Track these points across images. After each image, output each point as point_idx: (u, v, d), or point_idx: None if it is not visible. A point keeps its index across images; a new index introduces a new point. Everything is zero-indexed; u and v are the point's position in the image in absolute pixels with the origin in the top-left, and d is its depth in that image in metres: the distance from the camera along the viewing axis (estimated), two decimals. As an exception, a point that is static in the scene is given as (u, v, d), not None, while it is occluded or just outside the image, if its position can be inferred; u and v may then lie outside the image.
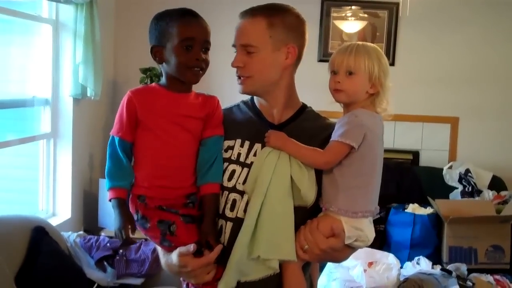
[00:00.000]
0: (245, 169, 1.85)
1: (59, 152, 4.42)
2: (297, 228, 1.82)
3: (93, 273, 3.59)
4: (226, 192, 1.85)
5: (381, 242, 4.45)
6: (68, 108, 4.41)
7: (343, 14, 5.32)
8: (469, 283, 3.54)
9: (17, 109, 4.12)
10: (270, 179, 1.78)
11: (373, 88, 1.84)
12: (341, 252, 1.87)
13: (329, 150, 1.79)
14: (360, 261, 3.49)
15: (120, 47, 5.32)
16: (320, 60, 5.20)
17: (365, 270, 3.44)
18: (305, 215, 1.84)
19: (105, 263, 3.64)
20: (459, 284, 3.47)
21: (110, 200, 1.75)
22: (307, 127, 1.94)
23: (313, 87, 5.08)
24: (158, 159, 1.77)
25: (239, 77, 1.90)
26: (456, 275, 3.60)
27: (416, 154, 5.38)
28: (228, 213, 1.84)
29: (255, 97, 2.00)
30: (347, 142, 1.75)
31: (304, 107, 2.02)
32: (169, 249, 1.81)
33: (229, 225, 1.83)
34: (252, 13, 1.88)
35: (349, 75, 1.82)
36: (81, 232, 3.97)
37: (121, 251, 3.68)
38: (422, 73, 5.37)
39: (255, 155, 1.86)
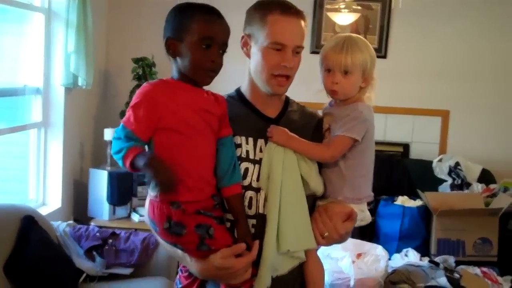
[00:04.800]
0: (257, 166, 1.86)
1: (49, 141, 4.41)
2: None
3: (82, 263, 3.59)
4: (242, 191, 1.85)
5: (370, 233, 4.48)
6: (59, 97, 4.39)
7: (336, 6, 5.30)
8: (456, 275, 3.56)
9: (8, 97, 4.11)
10: (282, 175, 1.83)
11: (365, 82, 1.94)
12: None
13: (335, 144, 1.89)
14: (348, 253, 3.52)
15: (112, 36, 5.31)
16: (313, 52, 5.19)
17: (353, 262, 3.46)
18: (310, 203, 1.92)
19: (94, 252, 3.65)
20: (447, 276, 3.50)
21: (133, 160, 1.60)
22: (297, 118, 2.00)
23: (306, 79, 5.09)
24: (190, 160, 1.69)
25: (284, 77, 1.88)
26: (443, 267, 3.62)
27: (406, 147, 5.40)
28: (247, 211, 1.85)
29: (245, 91, 1.99)
30: (353, 136, 1.86)
31: (288, 98, 2.05)
32: (204, 254, 1.73)
33: (251, 222, 1.84)
34: (298, 13, 1.88)
35: (345, 74, 1.89)
36: (71, 222, 3.97)
37: (110, 240, 3.69)
38: (414, 66, 5.39)
39: (261, 151, 1.88)
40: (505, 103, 5.37)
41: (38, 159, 4.36)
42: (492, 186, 4.82)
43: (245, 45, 1.92)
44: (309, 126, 1.99)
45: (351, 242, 3.72)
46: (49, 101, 4.39)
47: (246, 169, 1.86)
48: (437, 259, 3.94)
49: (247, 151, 1.88)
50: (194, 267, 1.78)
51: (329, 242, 1.92)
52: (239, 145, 1.88)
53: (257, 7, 1.90)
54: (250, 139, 1.90)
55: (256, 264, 1.78)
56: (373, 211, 4.54)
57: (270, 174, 1.83)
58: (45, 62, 4.31)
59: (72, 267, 3.46)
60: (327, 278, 3.42)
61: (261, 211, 1.84)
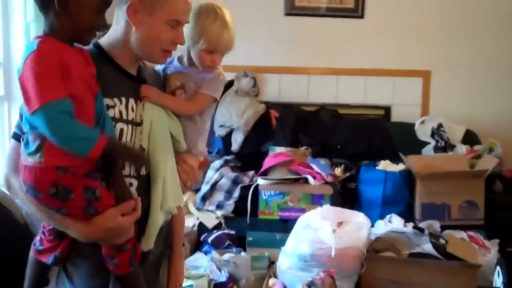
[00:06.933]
0: (130, 126, 1.85)
1: (13, 115, 4.21)
2: None
3: (50, 242, 3.45)
4: None
5: (352, 200, 4.38)
6: (21, 69, 4.19)
7: (312, -36, 5.14)
8: (442, 241, 3.46)
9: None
10: (163, 134, 1.93)
11: None
12: None
13: (200, 101, 2.09)
14: (329, 222, 3.38)
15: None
16: (287, 14, 5.00)
17: (334, 231, 3.32)
18: None
19: (63, 230, 3.51)
20: (432, 242, 3.39)
21: (105, 147, 1.63)
22: (148, 75, 2.05)
23: (280, 42, 4.97)
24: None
25: (170, 51, 1.96)
26: (428, 233, 3.52)
27: (387, 110, 5.31)
28: (127, 172, 1.87)
29: (110, 49, 1.92)
30: (215, 95, 2.10)
31: None
32: (90, 217, 1.71)
33: (134, 183, 1.86)
34: None
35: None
36: (38, 199, 3.81)
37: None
38: (392, 26, 5.26)
39: (132, 110, 1.89)
40: (487, 61, 5.27)
41: (2, 133, 4.18)
42: (476, 147, 4.75)
43: (134, 12, 1.82)
44: (158, 83, 2.08)
45: (331, 210, 3.60)
46: (10, 73, 4.17)
47: (122, 130, 1.85)
48: (421, 224, 3.84)
49: (120, 112, 1.86)
50: (77, 230, 1.74)
51: (189, 190, 2.21)
52: (112, 106, 1.84)
53: None
54: (123, 99, 1.88)
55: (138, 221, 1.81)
56: (354, 177, 4.45)
57: (153, 134, 1.89)
58: (4, 32, 4.08)
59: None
60: (307, 249, 3.30)
61: (141, 172, 1.86)
